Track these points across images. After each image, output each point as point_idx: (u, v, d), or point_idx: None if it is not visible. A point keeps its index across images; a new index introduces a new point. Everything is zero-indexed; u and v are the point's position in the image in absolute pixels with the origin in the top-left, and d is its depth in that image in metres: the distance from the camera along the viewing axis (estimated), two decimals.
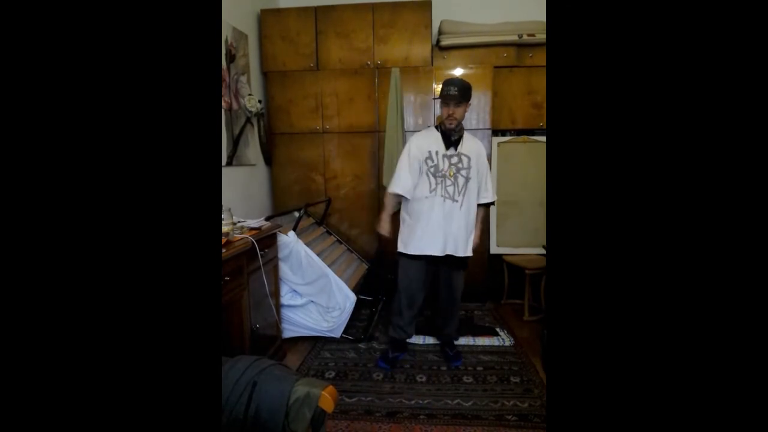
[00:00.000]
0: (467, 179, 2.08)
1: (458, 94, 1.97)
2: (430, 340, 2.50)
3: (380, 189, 3.02)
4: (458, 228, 2.09)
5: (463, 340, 2.47)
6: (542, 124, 3.06)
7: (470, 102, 2.06)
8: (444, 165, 2.07)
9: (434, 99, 2.10)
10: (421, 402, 1.89)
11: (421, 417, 1.78)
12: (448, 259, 2.12)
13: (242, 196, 2.74)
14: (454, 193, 2.07)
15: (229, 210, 1.97)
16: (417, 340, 2.50)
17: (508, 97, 3.07)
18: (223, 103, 2.49)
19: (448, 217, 2.07)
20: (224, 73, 2.51)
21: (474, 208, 2.15)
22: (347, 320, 2.45)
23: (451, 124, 2.02)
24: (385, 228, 2.20)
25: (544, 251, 2.80)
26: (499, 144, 3.13)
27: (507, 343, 2.46)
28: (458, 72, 2.97)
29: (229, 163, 2.56)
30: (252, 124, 2.86)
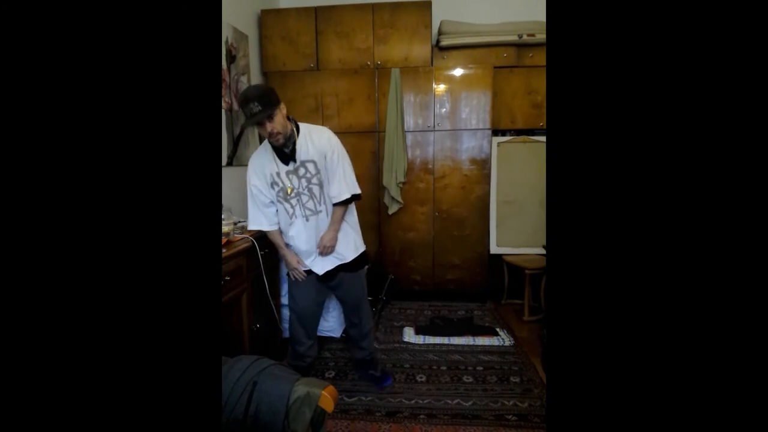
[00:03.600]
0: (321, 185, 1.79)
1: (262, 108, 1.57)
2: (429, 339, 2.50)
3: (380, 189, 3.03)
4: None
5: (463, 340, 2.48)
6: (542, 124, 3.06)
7: (281, 104, 1.65)
8: (292, 183, 1.76)
9: (240, 116, 1.77)
10: (421, 402, 1.89)
11: (421, 417, 1.78)
12: (340, 268, 1.91)
13: (242, 196, 2.74)
14: (315, 206, 1.80)
15: (230, 210, 1.97)
16: (417, 340, 2.51)
17: (508, 97, 3.07)
18: (224, 104, 2.49)
19: (318, 232, 1.83)
20: (225, 73, 2.51)
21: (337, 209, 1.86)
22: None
23: (277, 141, 1.67)
24: (292, 263, 1.87)
25: (544, 251, 2.80)
26: (499, 144, 3.13)
27: (507, 343, 2.46)
28: (458, 72, 2.97)
29: (230, 164, 2.56)
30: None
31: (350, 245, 1.91)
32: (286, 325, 2.41)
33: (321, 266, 1.88)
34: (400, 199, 3.01)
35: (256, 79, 3.01)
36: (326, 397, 1.06)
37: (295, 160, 1.74)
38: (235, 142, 2.63)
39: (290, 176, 1.76)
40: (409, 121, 3.02)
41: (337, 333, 2.47)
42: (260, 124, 1.63)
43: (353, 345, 2.14)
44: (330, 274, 1.90)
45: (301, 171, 1.76)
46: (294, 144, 1.72)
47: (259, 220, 1.83)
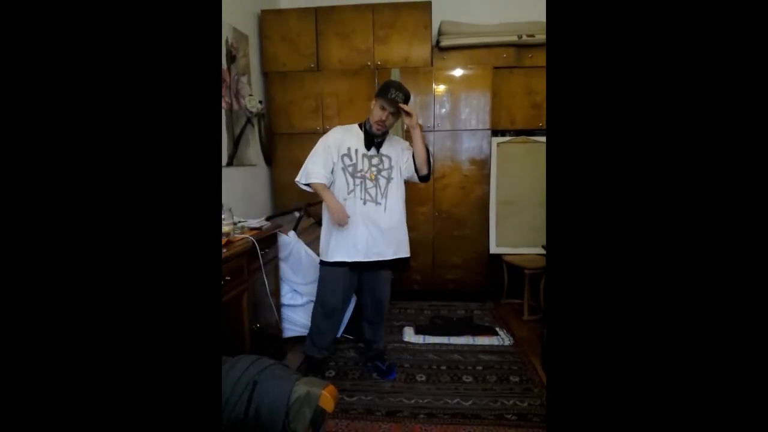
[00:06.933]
0: (389, 180, 1.95)
1: (404, 100, 1.82)
2: (429, 339, 2.51)
3: None
4: (383, 231, 1.94)
5: (462, 340, 2.48)
6: (541, 124, 3.07)
7: (397, 119, 1.90)
8: (364, 165, 1.92)
9: (376, 97, 1.87)
10: (420, 401, 1.90)
11: (421, 416, 1.78)
12: (376, 264, 1.98)
13: (243, 196, 2.75)
14: (376, 196, 1.93)
15: (230, 210, 1.98)
16: (417, 339, 2.51)
17: (507, 98, 3.07)
18: (224, 104, 2.49)
19: (371, 220, 1.93)
20: (225, 73, 2.52)
21: (398, 210, 1.98)
22: (347, 320, 2.45)
23: (378, 130, 1.88)
24: (341, 211, 1.88)
25: (543, 251, 2.80)
26: (498, 144, 3.14)
27: (506, 343, 2.47)
28: (458, 72, 2.98)
29: (230, 164, 2.56)
30: (252, 125, 2.86)
31: (402, 243, 2.01)
32: (286, 325, 2.42)
33: (362, 254, 1.94)
34: None
35: (256, 79, 3.01)
36: (326, 397, 1.06)
37: (377, 149, 1.95)
38: (236, 143, 2.63)
39: (365, 159, 1.93)
40: None
41: (337, 333, 2.47)
42: (384, 109, 1.84)
43: (365, 345, 2.22)
44: (365, 266, 1.98)
45: (376, 160, 1.94)
46: (383, 141, 1.97)
47: (318, 173, 1.91)
